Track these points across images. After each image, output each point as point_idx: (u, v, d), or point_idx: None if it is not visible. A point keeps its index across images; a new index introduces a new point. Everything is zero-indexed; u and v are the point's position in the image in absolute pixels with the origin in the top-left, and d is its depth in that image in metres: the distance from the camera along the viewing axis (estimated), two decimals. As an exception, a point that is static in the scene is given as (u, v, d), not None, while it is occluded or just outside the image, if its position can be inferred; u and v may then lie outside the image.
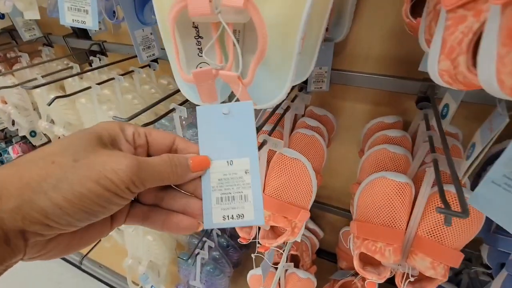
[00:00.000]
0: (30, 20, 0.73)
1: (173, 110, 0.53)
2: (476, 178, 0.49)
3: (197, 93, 0.29)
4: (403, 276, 0.45)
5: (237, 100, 0.25)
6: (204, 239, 0.83)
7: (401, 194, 0.43)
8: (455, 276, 0.73)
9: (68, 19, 0.36)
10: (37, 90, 0.75)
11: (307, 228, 0.90)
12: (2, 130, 1.40)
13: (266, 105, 0.30)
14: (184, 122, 0.66)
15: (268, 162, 0.48)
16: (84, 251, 1.19)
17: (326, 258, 1.04)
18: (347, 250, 0.89)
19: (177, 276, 0.96)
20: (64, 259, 1.26)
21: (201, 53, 0.31)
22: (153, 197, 0.24)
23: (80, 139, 0.19)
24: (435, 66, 0.28)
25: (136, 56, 0.74)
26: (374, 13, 0.55)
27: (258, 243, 0.53)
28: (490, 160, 0.44)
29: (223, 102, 0.27)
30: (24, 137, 1.41)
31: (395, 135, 0.53)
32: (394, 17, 0.54)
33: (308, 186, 0.46)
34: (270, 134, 0.45)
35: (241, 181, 0.23)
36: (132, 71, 0.73)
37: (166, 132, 0.24)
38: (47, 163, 0.18)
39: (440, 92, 0.50)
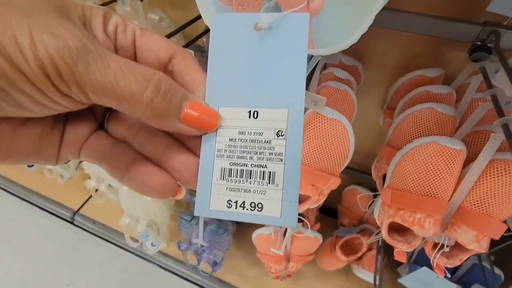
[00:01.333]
0: None
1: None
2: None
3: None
4: (435, 246, 0.42)
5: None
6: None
7: (452, 162, 0.37)
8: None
9: None
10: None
11: (312, 186, 0.87)
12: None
13: (331, 50, 0.21)
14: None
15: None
16: (74, 206, 1.14)
17: (327, 214, 1.05)
18: (350, 207, 0.89)
19: (177, 232, 0.94)
20: (54, 214, 1.21)
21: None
22: (124, 128, 0.16)
23: None
24: None
25: (117, -21, 0.58)
26: None
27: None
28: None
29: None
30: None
31: (441, 91, 0.45)
32: None
33: (345, 151, 0.40)
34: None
35: (267, 148, 0.14)
36: (114, 0, 0.57)
37: (167, 40, 0.15)
38: None
39: (505, 41, 0.42)
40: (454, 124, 0.43)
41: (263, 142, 0.14)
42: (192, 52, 0.42)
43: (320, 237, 0.74)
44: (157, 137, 0.15)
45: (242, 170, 0.15)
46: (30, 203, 1.23)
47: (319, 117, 0.37)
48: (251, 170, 0.14)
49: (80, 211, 1.12)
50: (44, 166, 1.07)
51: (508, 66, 0.36)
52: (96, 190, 1.01)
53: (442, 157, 0.37)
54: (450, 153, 0.37)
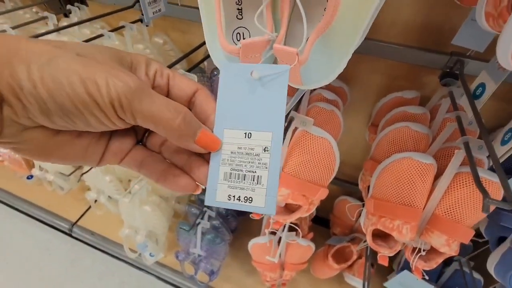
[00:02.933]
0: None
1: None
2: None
3: (236, 62, 0.24)
4: (413, 251, 0.47)
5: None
6: (205, 209, 0.82)
7: (424, 175, 0.42)
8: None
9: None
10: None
11: (305, 197, 0.92)
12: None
13: (316, 86, 0.26)
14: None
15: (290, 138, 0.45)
16: (73, 218, 1.16)
17: (320, 224, 1.09)
18: (341, 217, 0.93)
19: (175, 243, 0.97)
20: (52, 226, 1.22)
21: (241, 14, 0.25)
22: (158, 144, 0.22)
23: (101, 47, 0.18)
24: (509, 50, 0.24)
25: (127, 8, 0.64)
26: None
27: (272, 219, 0.53)
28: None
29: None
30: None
31: (416, 111, 0.51)
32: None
33: (331, 166, 0.44)
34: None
35: (257, 159, 0.20)
36: (122, 26, 0.63)
37: (191, 80, 0.21)
38: (50, 46, 0.16)
39: (469, 68, 0.48)
40: (427, 141, 0.48)
41: (254, 155, 0.20)
42: (195, 76, 0.47)
43: (312, 245, 0.78)
44: (181, 151, 0.21)
45: (239, 174, 0.20)
46: (28, 215, 1.25)
47: (308, 135, 0.42)
48: (245, 174, 0.20)
49: (78, 223, 1.14)
50: (44, 178, 1.09)
51: (468, 91, 0.42)
52: (95, 201, 1.03)
53: (415, 170, 0.43)
54: (422, 167, 0.42)
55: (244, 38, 0.25)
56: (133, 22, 0.64)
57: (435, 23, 0.52)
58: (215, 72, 0.60)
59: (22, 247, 1.18)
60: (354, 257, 0.81)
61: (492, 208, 0.31)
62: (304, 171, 0.44)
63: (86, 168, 0.94)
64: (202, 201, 0.94)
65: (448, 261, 0.74)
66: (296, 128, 0.44)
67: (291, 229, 0.84)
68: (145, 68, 0.20)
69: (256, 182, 0.20)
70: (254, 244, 0.78)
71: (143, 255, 0.92)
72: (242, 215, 1.02)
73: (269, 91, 0.20)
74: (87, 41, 0.54)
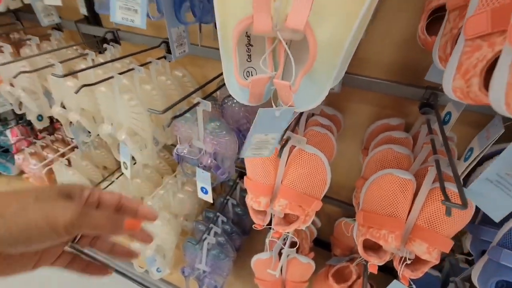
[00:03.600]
0: (49, 5, 0.73)
1: (197, 103, 0.57)
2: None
3: (247, 94, 0.33)
4: (400, 260, 0.51)
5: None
6: (211, 225, 0.88)
7: (405, 189, 0.49)
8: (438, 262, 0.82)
9: (118, 17, 0.39)
10: (51, 75, 0.76)
11: (306, 217, 0.97)
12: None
13: (304, 109, 0.35)
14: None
15: (288, 155, 0.53)
16: (85, 234, 1.21)
17: (321, 247, 1.12)
18: (341, 238, 0.97)
19: (181, 259, 1.01)
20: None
21: (250, 58, 0.34)
22: (88, 242, 0.33)
23: (46, 187, 0.28)
24: (450, 83, 0.33)
25: (154, 48, 0.76)
26: (386, 24, 0.59)
27: (272, 229, 0.59)
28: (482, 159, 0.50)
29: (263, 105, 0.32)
30: (20, 120, 1.39)
31: (399, 136, 0.59)
32: (404, 29, 0.59)
33: (323, 179, 0.52)
34: (286, 129, 0.50)
35: (267, 144, 0.39)
36: (149, 62, 0.75)
37: (115, 193, 0.33)
38: (16, 196, 0.25)
39: (441, 99, 0.56)
40: (409, 160, 0.55)
41: (266, 142, 0.33)
42: (209, 103, 0.57)
43: (312, 263, 0.81)
44: (106, 240, 0.34)
45: (259, 147, 0.35)
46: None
47: (302, 152, 0.50)
48: (261, 147, 0.35)
49: (90, 239, 1.19)
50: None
51: (439, 118, 0.50)
52: (109, 218, 1.10)
53: (396, 184, 0.49)
54: (402, 181, 0.49)
55: (252, 75, 0.34)
56: (158, 59, 0.77)
57: (412, 62, 0.62)
58: (225, 100, 0.70)
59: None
60: (354, 277, 0.83)
61: (467, 218, 0.37)
62: (300, 184, 0.52)
63: (106, 184, 1.02)
64: (209, 218, 1.00)
65: (444, 283, 0.77)
66: (293, 147, 0.52)
67: (292, 246, 0.88)
68: (81, 194, 0.30)
69: (265, 149, 0.38)
70: (257, 260, 0.82)
71: (150, 270, 0.96)
72: (247, 235, 1.07)
73: (279, 119, 0.32)
74: (121, 73, 0.65)
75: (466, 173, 0.42)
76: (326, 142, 0.58)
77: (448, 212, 0.37)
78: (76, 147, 1.21)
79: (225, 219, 0.93)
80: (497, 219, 0.35)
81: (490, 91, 0.26)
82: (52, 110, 0.81)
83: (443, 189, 0.39)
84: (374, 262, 0.53)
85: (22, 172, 1.44)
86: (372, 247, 0.57)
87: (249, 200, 0.56)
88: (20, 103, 0.95)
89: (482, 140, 0.39)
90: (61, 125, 1.30)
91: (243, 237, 1.02)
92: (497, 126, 0.37)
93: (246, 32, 0.33)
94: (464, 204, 0.34)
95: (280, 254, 0.79)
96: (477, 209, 0.52)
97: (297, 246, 0.89)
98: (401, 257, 0.51)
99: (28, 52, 0.90)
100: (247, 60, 0.34)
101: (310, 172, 0.51)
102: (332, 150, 0.60)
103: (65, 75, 0.61)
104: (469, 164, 0.41)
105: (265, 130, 0.35)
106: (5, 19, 1.04)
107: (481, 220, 0.55)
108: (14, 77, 0.67)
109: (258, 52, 0.34)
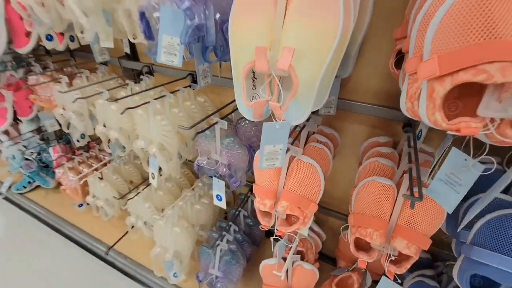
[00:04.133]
0: (103, 47, 0.92)
1: (216, 123, 0.70)
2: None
3: (252, 112, 0.46)
4: (386, 257, 0.59)
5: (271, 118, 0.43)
6: (224, 233, 0.98)
7: (386, 193, 0.58)
8: (437, 276, 0.86)
9: (163, 59, 0.54)
10: (99, 101, 0.93)
11: (312, 230, 1.04)
12: (41, 131, 1.59)
13: (294, 124, 0.47)
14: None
15: (288, 165, 0.64)
16: (110, 242, 1.33)
17: (327, 261, 1.17)
18: (345, 251, 1.03)
19: (195, 268, 1.09)
20: (89, 249, 1.40)
21: (254, 87, 0.48)
22: None
23: None
24: (403, 105, 0.44)
25: (182, 79, 0.93)
26: (373, 57, 0.72)
27: (276, 229, 0.68)
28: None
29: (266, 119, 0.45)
30: (60, 139, 1.59)
31: (386, 151, 0.69)
32: (384, 63, 0.71)
33: (318, 185, 0.62)
34: (291, 144, 0.61)
35: (276, 154, 0.48)
36: (177, 90, 0.91)
37: None
38: None
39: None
40: (393, 171, 0.65)
41: (275, 153, 0.43)
42: (226, 122, 0.70)
43: (316, 270, 0.88)
44: None
45: (271, 158, 0.46)
46: (70, 238, 1.44)
47: (299, 161, 0.61)
48: (273, 158, 0.47)
49: (115, 247, 1.31)
50: (94, 205, 1.31)
51: (414, 135, 0.60)
52: (132, 226, 1.22)
53: (379, 189, 0.59)
54: (384, 187, 0.58)
55: (255, 99, 0.47)
56: (184, 87, 0.93)
57: (395, 89, 0.73)
58: (239, 121, 0.83)
59: (60, 269, 1.34)
60: (356, 286, 0.88)
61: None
62: (298, 189, 0.62)
63: (132, 195, 1.16)
64: (222, 227, 1.09)
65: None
66: (293, 157, 0.63)
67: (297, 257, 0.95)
68: None
69: (277, 159, 0.47)
70: (265, 265, 0.89)
71: (167, 275, 1.05)
72: (256, 246, 1.15)
73: (281, 131, 0.44)
74: (155, 99, 0.81)
75: (431, 176, 0.51)
76: (322, 155, 0.69)
77: (412, 205, 0.46)
78: (107, 163, 1.38)
79: (237, 228, 1.02)
80: (449, 210, 0.44)
81: (420, 110, 0.37)
82: (96, 129, 0.97)
83: (410, 188, 0.49)
84: (364, 259, 0.61)
85: (58, 185, 1.62)
86: (364, 247, 0.65)
87: (257, 203, 0.67)
88: (69, 124, 1.13)
89: (441, 149, 0.49)
90: (96, 144, 1.49)
91: (253, 247, 1.10)
92: (448, 138, 0.47)
93: (252, 70, 0.46)
94: (420, 197, 0.44)
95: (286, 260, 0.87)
96: (458, 215, 0.60)
97: (302, 255, 0.97)
98: (387, 254, 0.59)
99: (79, 82, 1.10)
100: (252, 88, 0.48)
101: (306, 178, 0.61)
102: (327, 163, 0.70)
103: (116, 100, 0.77)
104: (432, 169, 0.50)
105: (272, 141, 0.45)
106: (61, 56, 1.28)
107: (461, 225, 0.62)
108: (73, 101, 0.85)
109: (259, 83, 0.47)
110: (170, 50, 0.53)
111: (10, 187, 1.63)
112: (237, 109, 0.78)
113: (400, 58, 0.57)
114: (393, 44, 0.65)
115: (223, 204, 0.83)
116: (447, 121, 0.32)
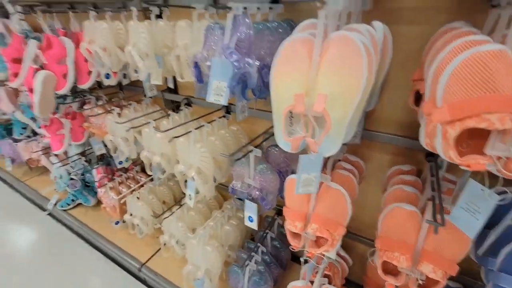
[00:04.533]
0: (153, 84, 1.07)
1: (251, 151, 0.79)
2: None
3: (290, 145, 0.54)
4: (414, 282, 0.62)
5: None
6: (253, 254, 1.03)
7: (411, 218, 0.62)
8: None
9: (212, 99, 0.65)
10: (145, 129, 1.07)
11: (339, 255, 1.07)
12: (85, 154, 1.77)
13: (326, 155, 0.54)
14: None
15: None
16: (143, 259, 1.41)
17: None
18: (373, 277, 1.03)
19: (224, 286, 1.14)
20: (122, 266, 1.49)
21: (291, 124, 0.57)
22: None
23: None
24: (423, 140, 0.51)
25: (217, 110, 1.04)
26: (395, 92, 0.79)
27: (306, 251, 0.73)
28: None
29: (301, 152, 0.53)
30: (100, 161, 1.75)
31: (409, 179, 0.74)
32: (407, 96, 0.78)
33: (345, 209, 0.67)
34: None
35: (311, 181, 0.52)
36: (214, 120, 1.02)
37: None
38: None
39: (440, 150, 0.72)
40: (417, 198, 0.69)
41: (310, 180, 0.50)
42: (260, 150, 0.79)
43: (343, 294, 0.90)
44: None
45: (307, 185, 0.54)
46: (105, 254, 1.54)
47: (328, 187, 0.68)
48: (308, 184, 0.54)
49: (147, 264, 1.39)
50: (131, 223, 1.42)
51: (437, 165, 0.65)
52: (165, 244, 1.30)
53: (403, 215, 0.63)
54: (408, 213, 0.63)
55: (293, 135, 0.56)
56: (220, 117, 1.04)
57: (417, 121, 0.79)
58: (269, 148, 0.92)
59: (95, 284, 1.43)
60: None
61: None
62: (327, 212, 0.68)
63: (166, 215, 1.26)
64: (250, 248, 1.15)
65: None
66: (321, 183, 0.70)
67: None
68: None
69: (313, 185, 0.52)
70: (293, 287, 0.93)
71: (198, 293, 1.10)
72: (283, 268, 1.18)
73: (315, 162, 0.50)
74: (196, 128, 0.92)
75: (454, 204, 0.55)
76: (348, 181, 0.75)
77: (435, 230, 0.50)
78: (143, 184, 1.50)
79: (264, 250, 1.07)
80: (471, 236, 0.48)
81: (437, 146, 0.44)
82: (141, 154, 1.10)
83: (433, 215, 0.54)
84: (391, 282, 0.64)
85: (97, 204, 1.76)
86: (391, 272, 0.68)
87: (288, 225, 0.73)
88: (115, 149, 1.27)
89: (461, 180, 0.54)
90: (134, 166, 1.63)
91: (280, 269, 1.13)
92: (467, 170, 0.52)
93: (290, 111, 0.55)
94: (442, 223, 0.49)
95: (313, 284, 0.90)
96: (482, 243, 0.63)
97: (329, 279, 0.99)
98: (414, 278, 0.62)
99: (127, 112, 1.26)
100: (289, 125, 0.56)
101: (335, 203, 0.67)
102: (354, 189, 0.76)
103: (164, 131, 0.89)
104: (454, 197, 0.55)
105: (307, 170, 0.53)
106: (111, 89, 1.46)
107: (487, 252, 0.65)
108: (127, 130, 0.98)
109: (295, 121, 0.56)
110: (218, 92, 0.64)
111: (55, 204, 1.80)
112: (268, 137, 0.87)
113: (418, 95, 0.64)
114: (411, 81, 0.73)
115: (254, 225, 0.90)
116: (460, 157, 0.38)
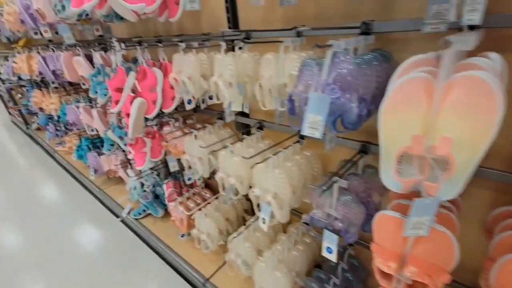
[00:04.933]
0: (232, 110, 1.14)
1: (336, 181, 0.78)
2: None
3: (400, 186, 0.52)
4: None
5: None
6: (325, 285, 0.99)
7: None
8: None
9: (307, 132, 0.67)
10: (222, 152, 1.13)
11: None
12: (155, 169, 1.93)
13: (444, 199, 0.51)
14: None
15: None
16: (206, 273, 1.46)
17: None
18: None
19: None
20: (185, 277, 1.56)
21: (400, 163, 0.54)
22: None
23: None
24: None
25: (292, 136, 1.06)
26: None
27: (399, 294, 0.68)
28: None
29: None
30: (169, 176, 1.89)
31: (526, 224, 0.64)
32: None
33: (451, 254, 0.61)
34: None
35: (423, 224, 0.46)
36: (289, 145, 1.04)
37: None
38: None
39: None
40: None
41: (421, 223, 0.46)
42: (346, 181, 0.77)
43: None
44: None
45: (417, 228, 0.47)
46: (170, 263, 1.64)
47: (433, 230, 0.63)
48: (418, 228, 0.49)
49: (211, 279, 1.43)
50: (198, 237, 1.49)
51: None
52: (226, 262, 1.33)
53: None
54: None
55: (401, 174, 0.54)
56: (295, 143, 1.06)
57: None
58: (349, 177, 0.90)
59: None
60: None
61: None
62: (429, 256, 0.63)
63: (235, 234, 1.29)
64: (319, 278, 1.11)
65: None
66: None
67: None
68: None
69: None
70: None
71: (265, 318, 1.09)
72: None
73: (430, 205, 0.48)
74: (274, 154, 0.95)
75: None
76: (449, 221, 0.68)
77: None
78: (210, 202, 1.58)
79: (337, 282, 1.03)
80: None
81: None
82: (216, 175, 1.16)
83: None
84: None
85: (165, 215, 1.90)
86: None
87: (380, 264, 0.69)
88: (189, 167, 1.37)
89: None
90: (199, 184, 1.72)
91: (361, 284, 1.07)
92: None
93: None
94: None
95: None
96: None
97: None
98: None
99: (202, 134, 1.35)
100: (397, 163, 0.54)
101: (439, 246, 0.62)
102: (455, 230, 0.69)
103: (245, 157, 0.93)
104: None
105: (420, 213, 0.51)
106: (187, 112, 1.59)
107: None
108: (209, 153, 1.05)
109: (405, 160, 0.54)
110: (313, 125, 0.65)
111: (129, 212, 1.99)
112: (345, 165, 0.85)
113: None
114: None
115: (333, 257, 0.87)
116: None
